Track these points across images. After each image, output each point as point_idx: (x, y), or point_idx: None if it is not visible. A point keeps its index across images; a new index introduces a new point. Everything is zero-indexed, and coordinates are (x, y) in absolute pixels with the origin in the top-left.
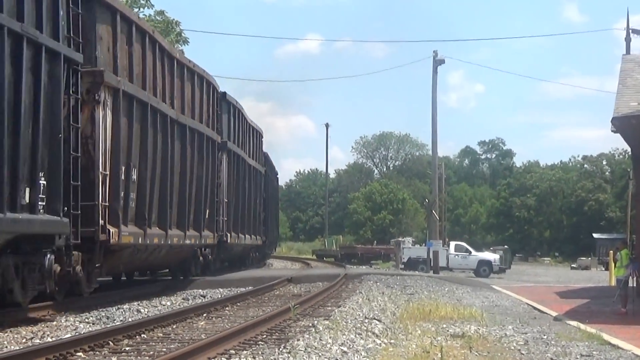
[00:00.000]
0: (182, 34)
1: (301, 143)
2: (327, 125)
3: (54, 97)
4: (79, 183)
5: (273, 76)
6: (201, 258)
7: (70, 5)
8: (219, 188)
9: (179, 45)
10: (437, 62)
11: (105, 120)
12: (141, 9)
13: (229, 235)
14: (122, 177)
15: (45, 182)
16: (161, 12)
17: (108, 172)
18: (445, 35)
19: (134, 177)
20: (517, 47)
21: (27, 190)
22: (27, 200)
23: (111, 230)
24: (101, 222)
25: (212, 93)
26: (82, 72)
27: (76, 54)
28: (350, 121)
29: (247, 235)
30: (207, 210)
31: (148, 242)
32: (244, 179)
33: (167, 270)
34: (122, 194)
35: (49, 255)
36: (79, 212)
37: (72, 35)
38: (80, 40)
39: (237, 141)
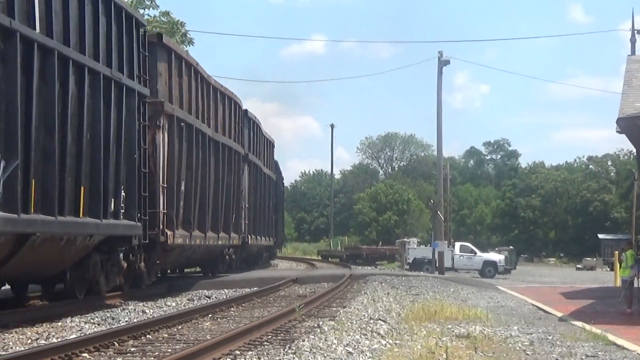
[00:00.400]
0: (188, 35)
1: (306, 144)
2: (332, 126)
3: (130, 125)
4: (147, 194)
5: (278, 77)
6: (227, 257)
7: (140, 49)
8: (241, 195)
9: (185, 46)
10: (442, 63)
11: (164, 142)
12: (146, 10)
13: (249, 237)
14: (175, 188)
15: (124, 194)
16: (166, 13)
17: (166, 185)
18: (450, 36)
19: (182, 188)
20: (523, 47)
21: (113, 200)
22: (112, 209)
23: (168, 233)
24: (161, 226)
25: (237, 111)
26: (147, 103)
27: (144, 89)
28: (355, 122)
29: (262, 237)
30: (234, 215)
31: (192, 243)
32: (261, 186)
33: (198, 267)
34: (175, 202)
35: (121, 254)
36: (147, 217)
37: (141, 73)
38: (147, 77)
39: (255, 152)
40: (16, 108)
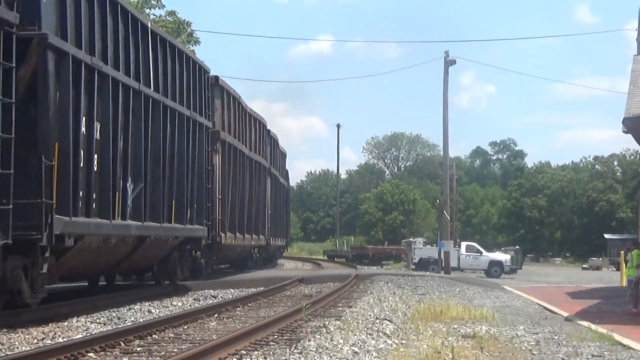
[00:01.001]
0: (194, 35)
1: (312, 144)
2: (338, 126)
3: (200, 152)
4: (210, 204)
5: (285, 77)
6: (254, 255)
7: (205, 91)
8: (265, 202)
9: (190, 46)
10: (449, 63)
11: (219, 162)
12: (152, 10)
13: (270, 238)
14: (226, 199)
15: (196, 205)
16: (172, 13)
17: (220, 197)
18: (456, 36)
19: (229, 199)
20: (529, 47)
21: (189, 210)
22: (188, 216)
23: (222, 235)
24: (218, 229)
25: (262, 130)
26: (210, 133)
27: (209, 122)
28: (361, 122)
29: (277, 239)
30: (260, 220)
31: (236, 243)
32: (278, 195)
33: (229, 264)
34: (226, 211)
35: (186, 252)
36: (210, 223)
37: (206, 110)
38: (210, 113)
39: (274, 165)
40: (141, 147)
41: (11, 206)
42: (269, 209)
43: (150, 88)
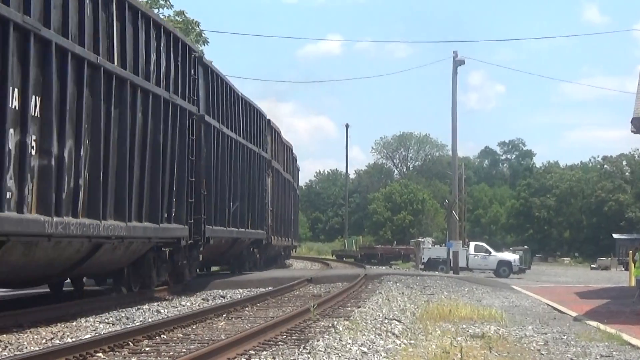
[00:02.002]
0: (202, 35)
1: (321, 144)
2: (347, 126)
3: (261, 176)
4: (264, 215)
5: (294, 77)
6: (282, 253)
7: (265, 132)
8: (290, 210)
9: (199, 46)
10: (457, 63)
11: (271, 183)
12: (160, 10)
13: (272, 237)
14: (274, 211)
15: (257, 215)
16: (181, 13)
17: (271, 209)
18: (465, 36)
19: (275, 210)
20: (538, 47)
21: (255, 218)
22: (251, 223)
23: (272, 237)
24: (270, 233)
25: (288, 149)
26: (266, 162)
27: (268, 154)
28: (370, 121)
29: (292, 239)
30: (290, 226)
31: (279, 243)
32: (293, 200)
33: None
34: (272, 219)
35: (252, 248)
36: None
37: (268, 145)
38: (266, 146)
39: (292, 174)
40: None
41: None
42: (291, 214)
43: (217, 121)
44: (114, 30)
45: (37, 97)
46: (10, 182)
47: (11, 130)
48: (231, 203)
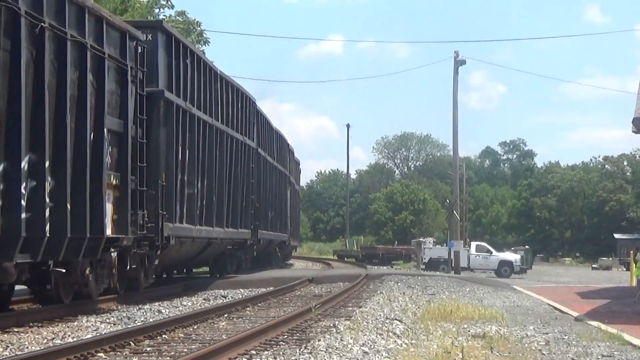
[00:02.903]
0: (203, 35)
1: (322, 144)
2: (348, 126)
3: (287, 188)
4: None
5: (295, 77)
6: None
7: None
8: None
9: (200, 46)
10: (458, 63)
11: (290, 193)
12: (162, 10)
13: (288, 236)
14: (292, 215)
15: (285, 221)
16: (182, 13)
17: (289, 215)
18: (467, 36)
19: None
20: (539, 47)
21: (281, 225)
22: (281, 227)
23: (290, 239)
24: (290, 235)
25: (295, 162)
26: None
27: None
28: (371, 122)
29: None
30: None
31: (290, 244)
32: (296, 203)
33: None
34: (290, 222)
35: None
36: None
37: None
38: (288, 166)
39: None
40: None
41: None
42: (298, 217)
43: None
44: (219, 100)
45: (186, 150)
46: (177, 205)
47: (179, 174)
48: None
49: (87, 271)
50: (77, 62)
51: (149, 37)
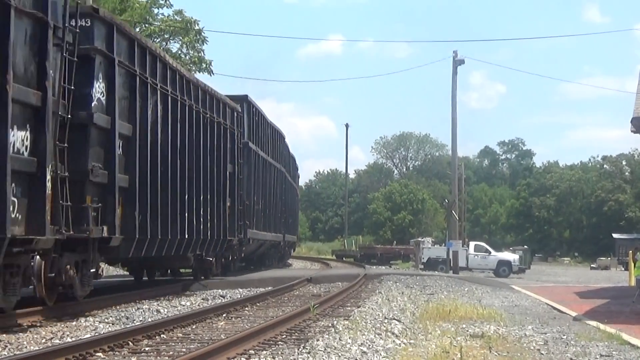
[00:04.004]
0: (202, 34)
1: (321, 143)
2: (346, 126)
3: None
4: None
5: (294, 77)
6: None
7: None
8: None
9: (198, 45)
10: (457, 62)
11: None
12: (160, 9)
13: (283, 235)
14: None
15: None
16: (180, 12)
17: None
18: (466, 36)
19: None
20: (538, 47)
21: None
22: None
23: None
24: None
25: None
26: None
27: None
28: (370, 121)
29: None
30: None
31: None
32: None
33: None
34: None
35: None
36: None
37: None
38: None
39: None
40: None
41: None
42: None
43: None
44: (268, 140)
45: (258, 179)
46: (254, 217)
47: (254, 196)
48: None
49: None
50: (212, 130)
51: (238, 106)
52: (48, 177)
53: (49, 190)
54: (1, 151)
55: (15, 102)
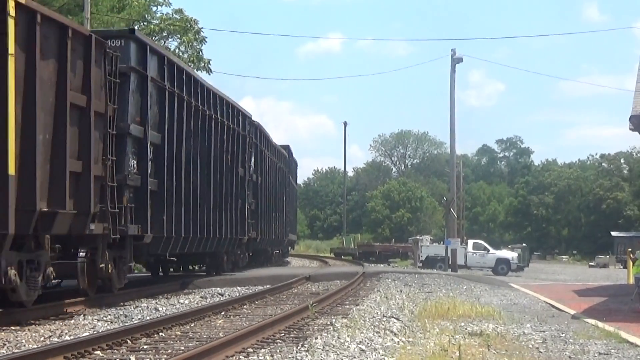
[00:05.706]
0: (201, 33)
1: (320, 141)
2: (345, 124)
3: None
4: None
5: (294, 75)
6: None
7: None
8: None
9: (197, 44)
10: (455, 61)
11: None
12: (159, 8)
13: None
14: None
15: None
16: (179, 11)
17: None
18: (465, 34)
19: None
20: (537, 45)
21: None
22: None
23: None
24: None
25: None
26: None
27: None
28: (369, 119)
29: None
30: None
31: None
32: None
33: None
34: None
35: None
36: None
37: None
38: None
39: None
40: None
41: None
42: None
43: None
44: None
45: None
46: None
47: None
48: None
49: None
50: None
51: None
52: (250, 210)
53: (247, 215)
54: (244, 200)
55: (249, 179)
